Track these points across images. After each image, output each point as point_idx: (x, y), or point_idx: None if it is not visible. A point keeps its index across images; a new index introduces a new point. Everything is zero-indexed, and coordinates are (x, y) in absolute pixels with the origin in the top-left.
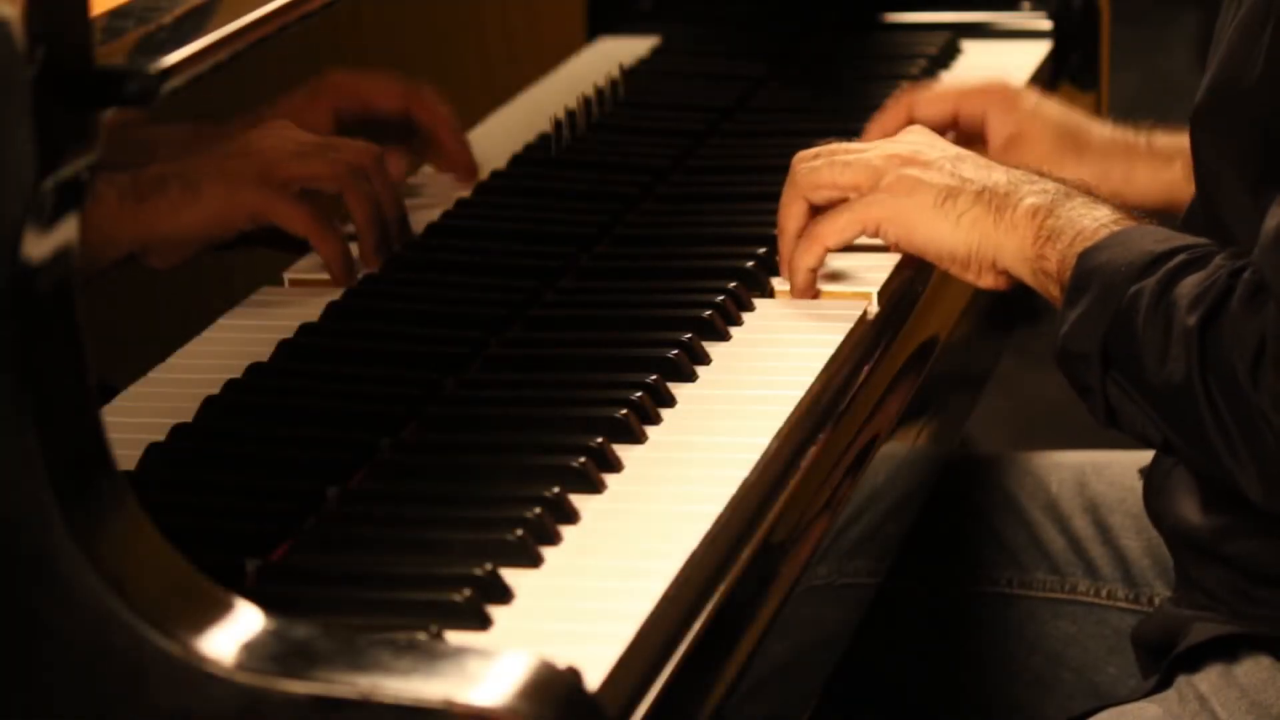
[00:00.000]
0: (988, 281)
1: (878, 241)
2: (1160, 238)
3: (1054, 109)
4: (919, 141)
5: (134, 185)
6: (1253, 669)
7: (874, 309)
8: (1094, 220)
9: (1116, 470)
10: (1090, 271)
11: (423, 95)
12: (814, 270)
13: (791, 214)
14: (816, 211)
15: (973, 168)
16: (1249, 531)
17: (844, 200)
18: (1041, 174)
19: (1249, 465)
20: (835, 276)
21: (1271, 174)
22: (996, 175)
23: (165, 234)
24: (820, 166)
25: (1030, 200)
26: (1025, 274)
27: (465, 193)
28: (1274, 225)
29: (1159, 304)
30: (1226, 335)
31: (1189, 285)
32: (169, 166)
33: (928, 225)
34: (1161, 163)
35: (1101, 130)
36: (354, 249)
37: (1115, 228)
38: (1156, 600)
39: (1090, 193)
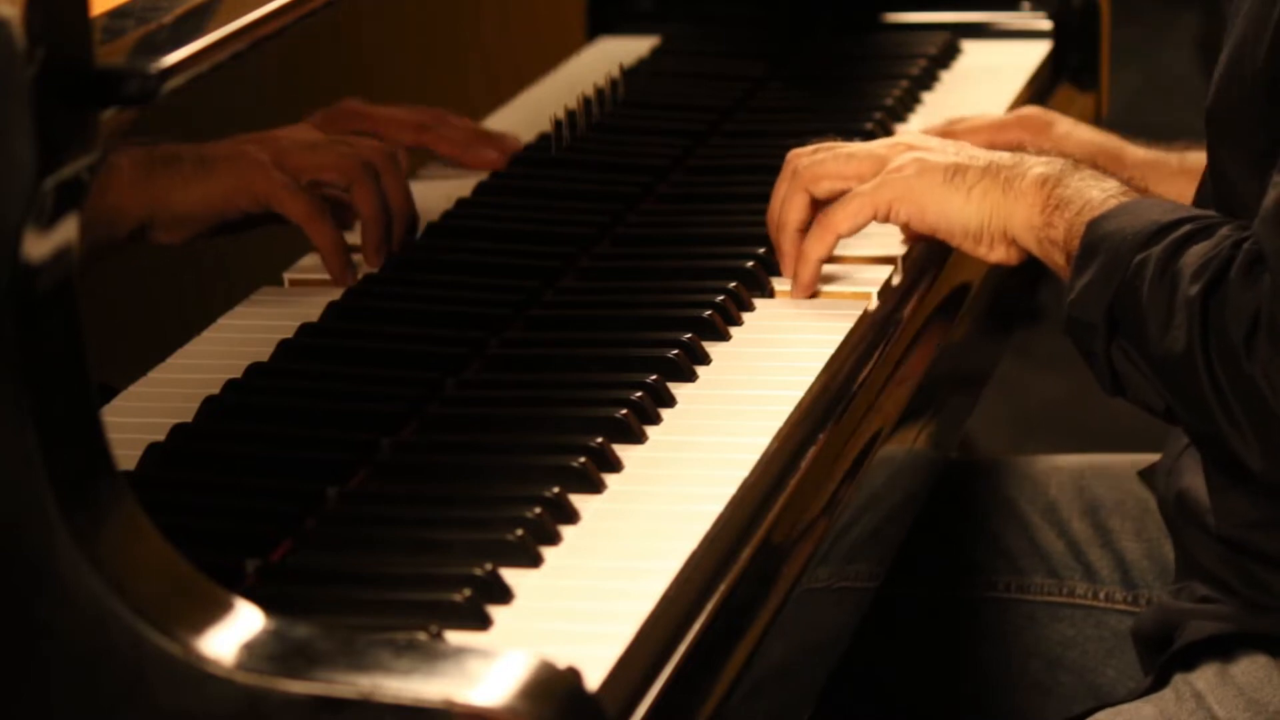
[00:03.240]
0: (999, 254)
1: (878, 242)
2: (1168, 208)
3: (1086, 134)
4: (917, 133)
5: (148, 159)
6: (1249, 667)
7: (873, 309)
8: (1102, 191)
9: (1115, 473)
10: (1098, 240)
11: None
12: (823, 261)
13: (794, 206)
14: (816, 206)
15: (974, 148)
16: (1257, 518)
17: (847, 191)
18: (1046, 150)
19: (1248, 435)
20: (834, 277)
21: (1273, 148)
22: (999, 152)
23: (173, 209)
24: (824, 158)
25: (1038, 170)
26: (1031, 243)
27: (465, 193)
28: (1274, 197)
29: (1164, 272)
30: (1227, 304)
31: (1194, 255)
32: (185, 146)
33: (939, 201)
34: (1190, 180)
35: (1135, 153)
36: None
37: (1124, 198)
38: (1155, 602)
39: (1097, 167)
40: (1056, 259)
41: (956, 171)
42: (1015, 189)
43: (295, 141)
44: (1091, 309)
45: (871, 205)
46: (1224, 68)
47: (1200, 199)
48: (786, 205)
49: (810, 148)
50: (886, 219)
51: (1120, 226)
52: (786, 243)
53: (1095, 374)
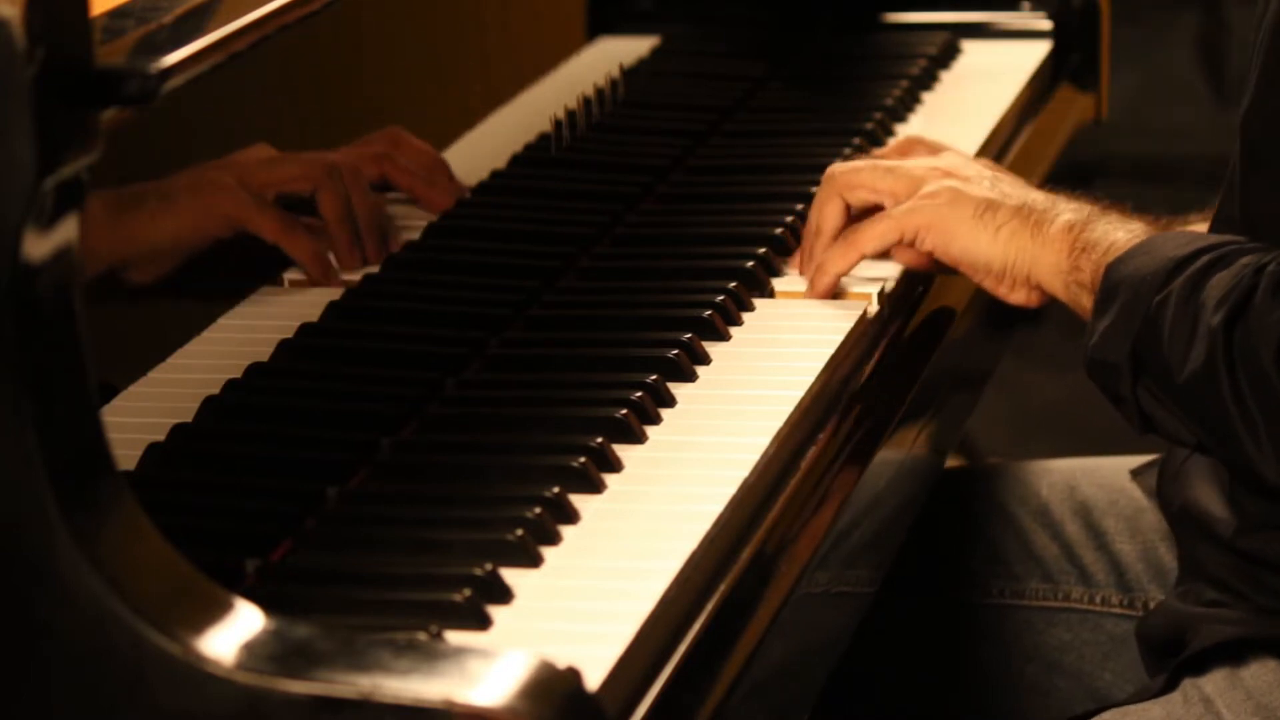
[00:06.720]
0: (1019, 297)
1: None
2: (1183, 242)
3: None
4: (957, 159)
5: (113, 201)
6: (1259, 672)
7: (874, 309)
8: (1127, 233)
9: (1107, 473)
10: (1117, 282)
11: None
12: (841, 275)
13: (828, 214)
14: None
15: (1010, 185)
16: (1265, 524)
17: (878, 206)
18: (1076, 195)
19: (1270, 454)
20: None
21: None
22: (1034, 193)
23: (143, 247)
24: (861, 168)
25: (1066, 216)
26: (1058, 288)
27: (465, 193)
28: None
29: (1186, 306)
30: (1253, 328)
31: (1215, 286)
32: (147, 184)
33: (967, 235)
34: None
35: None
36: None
37: (1145, 238)
38: (1151, 605)
39: (1124, 211)
40: (1084, 302)
41: (989, 208)
42: (1044, 233)
43: (255, 160)
44: (1115, 351)
45: (899, 229)
46: (1259, 76)
47: (1218, 215)
48: (821, 211)
49: (851, 162)
50: (912, 244)
51: (1138, 267)
52: (817, 248)
53: (1123, 414)
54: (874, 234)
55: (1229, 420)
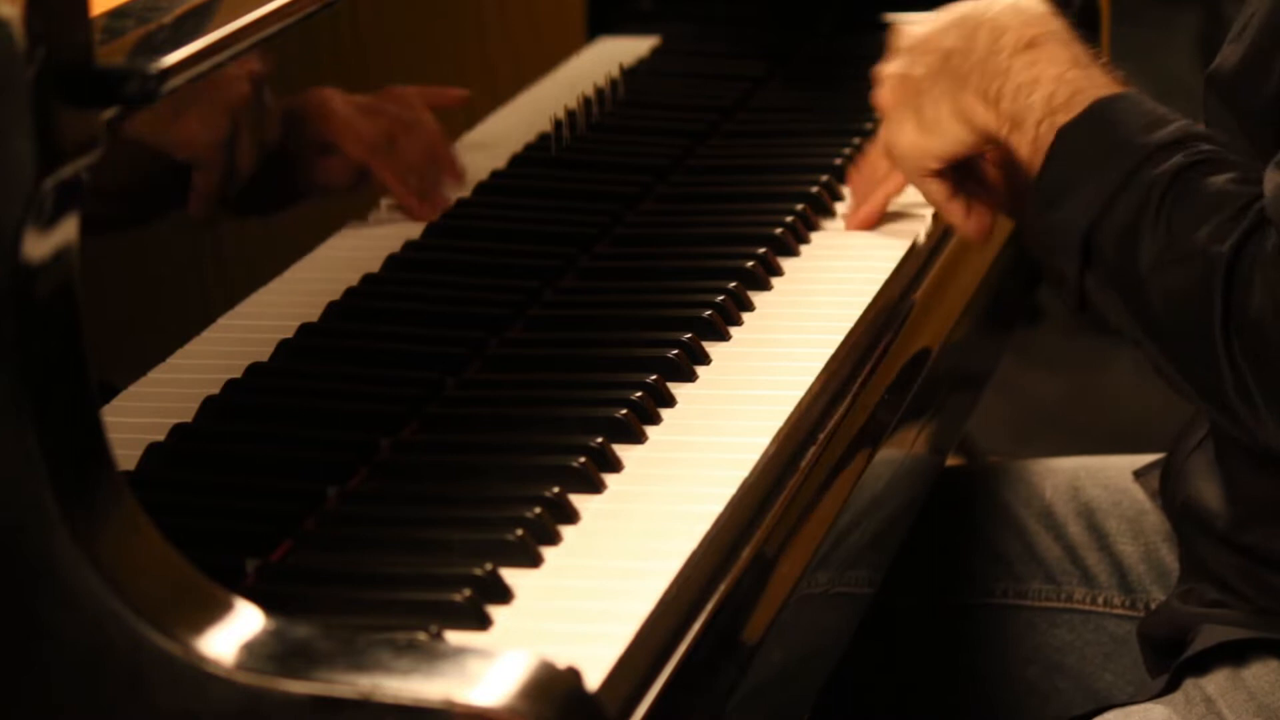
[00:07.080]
0: (1001, 131)
1: (882, 240)
2: (1144, 124)
3: None
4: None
5: None
6: (1261, 672)
7: (874, 309)
8: (1056, 76)
9: (1110, 473)
10: (1068, 156)
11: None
12: (949, 189)
13: (934, 190)
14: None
15: (921, 55)
16: (1269, 520)
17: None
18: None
19: (1266, 415)
20: (837, 276)
21: None
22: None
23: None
24: (904, 159)
25: (980, 72)
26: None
27: (465, 193)
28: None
29: (1159, 213)
30: (1258, 283)
31: (1202, 204)
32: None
33: (928, 136)
34: None
35: None
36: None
37: (1088, 90)
38: (1153, 606)
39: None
40: (1011, 138)
41: (915, 96)
42: (972, 88)
43: (223, 92)
44: (1064, 234)
45: (914, 174)
46: (1251, 41)
47: None
48: (928, 190)
49: (880, 149)
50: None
51: (1093, 143)
52: (954, 215)
53: (1062, 292)
54: (928, 190)
55: (1216, 365)
